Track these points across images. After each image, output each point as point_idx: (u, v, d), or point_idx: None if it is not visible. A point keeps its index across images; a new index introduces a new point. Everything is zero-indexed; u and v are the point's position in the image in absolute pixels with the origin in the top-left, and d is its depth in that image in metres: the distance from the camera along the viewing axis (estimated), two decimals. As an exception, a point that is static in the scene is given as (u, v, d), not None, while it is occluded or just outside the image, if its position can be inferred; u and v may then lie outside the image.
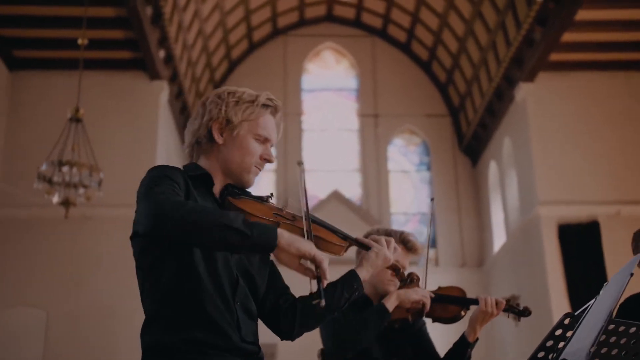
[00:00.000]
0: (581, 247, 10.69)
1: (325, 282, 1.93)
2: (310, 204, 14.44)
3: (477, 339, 3.32)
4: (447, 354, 3.38)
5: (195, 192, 2.06)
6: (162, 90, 11.88)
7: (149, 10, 10.64)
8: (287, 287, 2.31)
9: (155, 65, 11.53)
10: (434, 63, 15.88)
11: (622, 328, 2.15)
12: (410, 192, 15.56)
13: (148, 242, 1.99)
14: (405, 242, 3.34)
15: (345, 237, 2.22)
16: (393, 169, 15.73)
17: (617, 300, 2.05)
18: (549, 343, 2.13)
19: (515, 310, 3.34)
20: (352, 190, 15.11)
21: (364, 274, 2.27)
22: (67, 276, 10.72)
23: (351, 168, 15.63)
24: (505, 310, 3.32)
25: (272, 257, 2.20)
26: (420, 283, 3.25)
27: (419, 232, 15.15)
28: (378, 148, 15.57)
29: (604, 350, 2.17)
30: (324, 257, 1.92)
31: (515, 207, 12.72)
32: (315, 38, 16.39)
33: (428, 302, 3.13)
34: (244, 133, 2.18)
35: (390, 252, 2.28)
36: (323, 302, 1.87)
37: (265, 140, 2.22)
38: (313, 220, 2.14)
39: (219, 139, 2.18)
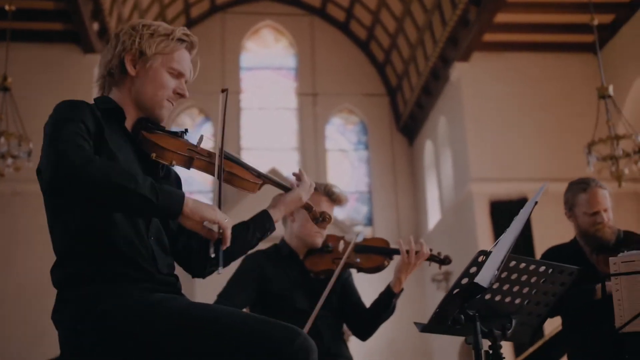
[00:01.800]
0: (511, 222, 10.95)
1: (225, 247, 1.95)
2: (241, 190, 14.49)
3: (402, 289, 3.41)
4: (372, 304, 3.47)
5: (106, 128, 2.01)
6: (96, 64, 11.50)
7: (81, -19, 10.39)
8: None
9: (89, 38, 11.27)
10: (372, 43, 15.98)
11: (522, 265, 2.26)
12: (348, 171, 15.67)
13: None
14: (329, 193, 3.45)
15: (259, 175, 2.25)
16: (331, 148, 15.81)
17: (518, 231, 2.17)
18: (464, 280, 2.21)
19: (437, 259, 3.47)
20: (290, 169, 14.92)
21: (276, 214, 2.33)
22: (-3, 253, 10.47)
23: (289, 147, 15.65)
24: (428, 260, 3.43)
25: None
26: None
27: (356, 211, 15.31)
28: (316, 127, 15.63)
29: (505, 286, 2.28)
30: (228, 224, 1.95)
31: (449, 185, 12.97)
32: (254, 16, 16.27)
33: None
34: (157, 66, 2.14)
35: (307, 194, 2.33)
36: (221, 270, 1.94)
37: (179, 75, 2.18)
38: (227, 157, 2.15)
39: (131, 70, 2.13)
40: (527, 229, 10.78)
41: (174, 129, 2.20)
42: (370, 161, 15.66)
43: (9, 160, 8.05)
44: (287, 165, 15.06)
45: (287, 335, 1.81)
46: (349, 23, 16.17)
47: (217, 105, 2.16)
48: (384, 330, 3.59)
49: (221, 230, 1.93)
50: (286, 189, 2.35)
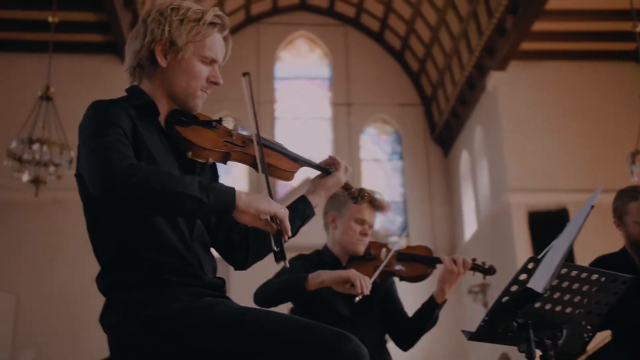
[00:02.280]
0: (550, 234, 10.77)
1: (287, 237, 1.85)
2: (283, 191, 14.59)
3: (446, 300, 3.36)
4: (415, 314, 3.42)
5: (140, 125, 1.95)
6: (134, 74, 11.77)
7: (121, -7, 10.55)
8: None
9: (127, 48, 11.41)
10: (406, 52, 15.95)
11: (574, 272, 2.21)
12: (382, 181, 15.62)
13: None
14: (372, 200, 3.38)
15: (296, 159, 2.18)
16: (365, 158, 15.79)
17: (573, 237, 2.12)
18: (514, 288, 2.18)
19: (481, 268, 3.39)
20: (325, 180, 15.06)
21: (316, 200, 2.23)
22: (38, 260, 10.64)
23: (324, 156, 15.38)
24: (471, 269, 3.36)
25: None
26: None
27: (391, 221, 15.25)
28: (350, 137, 15.62)
29: (556, 295, 2.24)
30: (285, 214, 1.85)
31: (486, 195, 12.85)
32: (289, 26, 16.37)
33: (358, 283, 2.94)
34: (189, 55, 2.03)
35: (345, 175, 2.25)
36: (287, 263, 1.82)
37: (212, 62, 2.08)
38: (263, 144, 2.07)
39: (162, 62, 2.02)
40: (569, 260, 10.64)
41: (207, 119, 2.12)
42: (405, 171, 15.60)
43: (51, 169, 8.18)
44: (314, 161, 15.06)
45: (338, 340, 1.77)
46: (384, 33, 16.16)
47: (242, 86, 2.08)
48: (421, 342, 3.55)
49: (279, 222, 1.84)
50: (325, 171, 2.24)
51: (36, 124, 8.36)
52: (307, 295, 3.08)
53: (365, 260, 3.44)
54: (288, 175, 2.14)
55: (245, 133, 2.14)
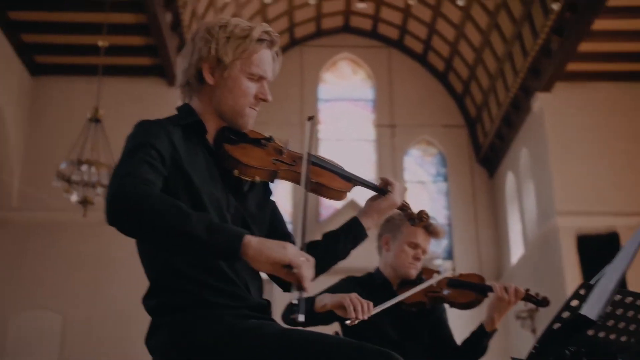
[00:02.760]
0: (600, 258, 10.57)
1: (307, 288, 1.70)
2: (327, 213, 14.57)
3: (496, 330, 3.28)
4: (464, 343, 3.36)
5: (184, 147, 1.93)
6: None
7: (168, 17, 10.76)
8: (288, 235, 2.18)
9: (174, 71, 11.61)
10: (450, 74, 15.89)
11: (629, 299, 2.15)
12: (426, 203, 15.50)
13: None
14: (427, 225, 3.34)
15: (350, 178, 2.12)
16: (409, 180, 15.72)
17: (628, 263, 2.06)
18: (565, 314, 2.13)
19: (534, 299, 3.29)
20: (368, 201, 15.02)
21: (369, 222, 2.18)
22: (84, 281, 10.80)
23: (367, 178, 15.53)
24: (523, 299, 3.27)
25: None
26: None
27: (436, 244, 15.07)
28: (394, 158, 15.58)
29: (610, 322, 2.17)
30: (302, 262, 1.68)
31: (533, 218, 12.65)
32: (332, 49, 16.48)
33: (350, 308, 2.75)
34: (236, 73, 2.00)
35: (400, 197, 2.20)
36: (301, 318, 1.68)
37: (260, 79, 2.03)
38: (314, 163, 2.03)
39: (210, 80, 2.00)
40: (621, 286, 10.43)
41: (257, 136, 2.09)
42: (450, 193, 15.48)
43: (99, 189, 8.33)
44: (365, 197, 15.01)
45: (383, 359, 1.74)
46: (427, 54, 16.14)
47: (296, 136, 2.08)
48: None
49: (298, 275, 1.67)
50: (381, 191, 2.19)
51: (85, 145, 8.53)
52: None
53: (417, 284, 3.40)
54: (340, 195, 2.09)
55: (297, 152, 2.10)
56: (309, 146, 1.99)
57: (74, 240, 10.94)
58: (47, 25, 10.90)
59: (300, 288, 1.67)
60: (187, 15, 11.54)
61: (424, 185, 15.81)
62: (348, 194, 2.12)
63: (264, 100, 2.05)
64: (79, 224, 10.44)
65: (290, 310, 1.71)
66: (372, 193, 2.25)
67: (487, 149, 14.98)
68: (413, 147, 15.97)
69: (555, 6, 10.64)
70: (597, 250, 10.62)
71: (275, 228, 2.16)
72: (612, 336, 2.25)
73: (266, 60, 2.04)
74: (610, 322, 2.23)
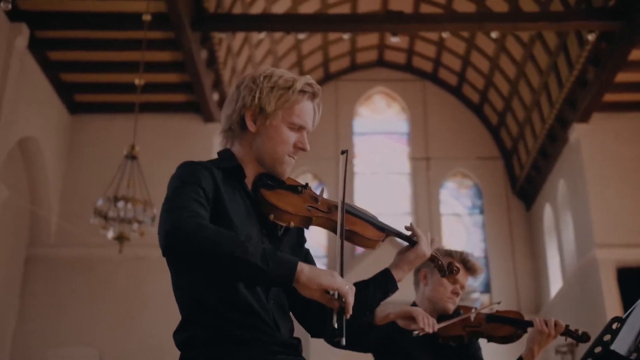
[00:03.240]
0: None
1: (348, 315, 1.79)
2: (362, 249, 14.50)
3: None
4: None
5: (224, 188, 2.00)
6: (216, 132, 12.06)
7: (204, 54, 10.93)
8: None
9: (209, 107, 11.78)
10: (485, 106, 15.83)
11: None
12: (462, 235, 15.37)
13: None
14: (465, 262, 3.36)
15: (382, 228, 2.15)
16: (445, 213, 15.61)
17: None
18: (597, 349, 2.09)
19: (574, 334, 3.26)
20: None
21: (399, 274, 2.20)
22: (120, 316, 10.89)
23: (402, 211, 15.55)
24: (563, 334, 3.26)
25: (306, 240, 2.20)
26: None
27: (471, 279, 14.89)
28: (429, 191, 15.50)
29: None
30: (348, 289, 1.78)
31: (571, 250, 12.44)
32: (367, 82, 16.56)
33: (420, 319, 2.90)
34: (277, 122, 2.09)
35: (428, 248, 2.21)
36: (344, 341, 1.76)
37: (300, 129, 2.12)
38: (348, 212, 2.07)
39: (251, 127, 2.09)
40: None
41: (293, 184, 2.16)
42: (486, 226, 15.32)
43: (135, 225, 8.42)
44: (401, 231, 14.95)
45: None
46: (461, 87, 16.13)
47: (330, 170, 2.12)
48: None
49: (343, 299, 1.77)
50: (412, 242, 2.21)
51: (121, 182, 8.66)
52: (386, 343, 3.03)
53: (454, 319, 3.39)
54: (372, 244, 2.12)
55: (332, 200, 2.16)
56: (344, 179, 2.03)
57: (110, 276, 11.07)
58: (85, 64, 11.17)
59: (342, 314, 1.77)
60: (222, 52, 11.71)
61: (459, 217, 15.68)
62: (381, 243, 2.15)
63: (303, 149, 2.13)
64: (115, 260, 10.57)
65: (332, 334, 1.80)
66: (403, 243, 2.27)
67: (523, 181, 14.83)
68: (448, 179, 15.89)
69: (591, 37, 10.57)
70: (638, 282, 10.38)
71: None
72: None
73: (307, 111, 2.13)
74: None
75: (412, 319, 2.86)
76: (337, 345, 1.88)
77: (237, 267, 1.73)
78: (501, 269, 14.63)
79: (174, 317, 2.03)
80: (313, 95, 2.15)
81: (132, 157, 8.61)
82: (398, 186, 15.85)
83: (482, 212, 15.61)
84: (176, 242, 1.74)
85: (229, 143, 2.16)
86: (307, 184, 2.16)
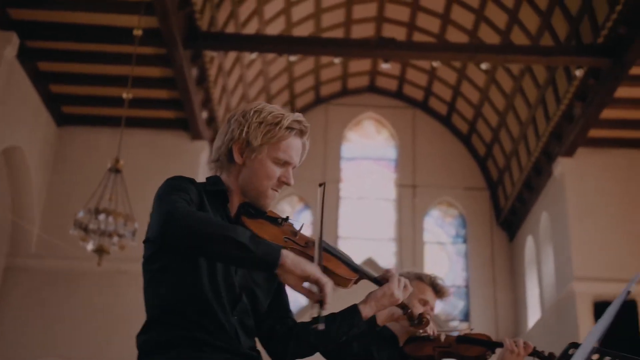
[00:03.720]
0: (617, 325, 10.37)
1: (326, 306, 1.86)
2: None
3: None
4: None
5: (209, 207, 2.07)
6: (203, 150, 12.11)
7: (194, 72, 10.96)
8: (289, 311, 2.30)
9: (198, 125, 11.80)
10: (473, 136, 15.94)
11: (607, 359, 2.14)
12: (445, 264, 15.40)
13: (158, 248, 2.01)
14: (434, 284, 3.46)
15: (356, 269, 2.17)
16: (429, 240, 15.64)
17: (608, 322, 2.06)
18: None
19: (541, 355, 3.37)
20: (387, 260, 15.01)
21: (367, 310, 2.22)
22: (99, 329, 10.81)
23: (387, 237, 15.58)
24: (531, 355, 3.36)
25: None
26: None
27: (453, 305, 14.93)
28: (414, 218, 15.54)
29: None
30: (327, 281, 1.86)
31: (551, 283, 12.50)
32: (357, 108, 16.65)
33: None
34: (263, 157, 2.14)
35: (400, 291, 2.22)
36: (322, 326, 1.83)
37: (285, 164, 2.17)
38: (325, 249, 2.09)
39: (238, 159, 2.16)
40: (634, 334, 10.22)
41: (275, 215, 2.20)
42: (469, 255, 15.36)
43: (115, 239, 8.40)
44: (384, 256, 14.98)
45: None
46: (451, 116, 16.24)
47: (317, 193, 2.15)
48: None
49: (321, 291, 1.85)
50: (381, 284, 2.24)
51: (104, 195, 8.65)
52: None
53: (425, 340, 3.46)
54: (345, 283, 2.13)
55: (310, 237, 2.19)
56: (321, 212, 2.08)
57: (89, 289, 11.01)
58: (74, 76, 11.19)
59: (321, 305, 1.84)
60: (213, 71, 11.76)
61: (443, 246, 15.72)
62: (353, 284, 2.17)
63: (287, 184, 2.19)
64: (94, 273, 10.51)
65: (312, 323, 1.89)
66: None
67: (507, 212, 14.91)
68: (434, 208, 15.94)
69: (579, 73, 10.70)
70: (615, 318, 10.39)
71: (278, 301, 2.27)
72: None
73: (294, 148, 2.18)
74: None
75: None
76: (309, 347, 1.99)
77: (227, 246, 1.80)
78: (482, 298, 14.65)
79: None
80: (301, 133, 2.20)
81: (116, 170, 8.60)
82: (384, 212, 15.88)
83: (465, 241, 15.65)
84: (170, 224, 1.81)
85: (218, 172, 2.23)
86: (287, 217, 2.21)
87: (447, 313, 14.76)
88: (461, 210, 15.83)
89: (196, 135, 12.05)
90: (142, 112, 11.53)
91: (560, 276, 11.87)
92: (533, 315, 13.54)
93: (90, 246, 8.34)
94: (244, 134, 2.13)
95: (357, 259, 2.31)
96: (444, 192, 15.82)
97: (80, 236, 8.34)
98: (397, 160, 16.43)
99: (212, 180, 2.19)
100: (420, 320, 2.39)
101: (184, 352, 1.93)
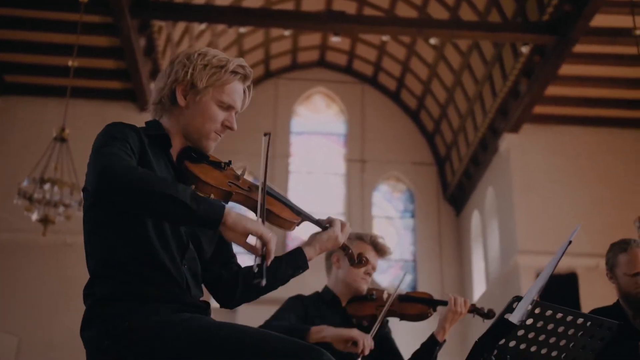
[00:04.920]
0: (559, 298, 10.68)
1: (269, 261, 1.88)
2: (293, 245, 14.55)
3: (445, 340, 3.39)
4: (414, 354, 3.43)
5: (150, 152, 2.04)
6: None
7: (142, 42, 10.78)
8: (233, 256, 2.31)
9: (146, 96, 11.60)
10: (422, 112, 16.09)
11: (559, 315, 2.21)
12: (393, 238, 15.56)
13: (96, 201, 1.95)
14: (374, 244, 3.51)
15: (299, 212, 2.21)
16: (377, 215, 15.79)
17: (549, 272, 2.14)
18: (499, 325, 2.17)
19: (481, 312, 3.47)
20: (336, 234, 15.06)
21: (311, 252, 2.28)
22: (44, 303, 10.62)
23: (336, 212, 15.63)
24: (471, 311, 3.43)
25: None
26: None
27: (399, 279, 15.12)
28: (363, 193, 15.66)
29: (541, 337, 2.22)
30: (271, 237, 1.87)
31: (496, 256, 12.77)
32: (307, 82, 16.62)
33: (361, 342, 3.12)
34: (207, 99, 2.14)
35: (342, 234, 2.29)
36: (264, 282, 1.83)
37: (229, 107, 2.17)
38: (268, 193, 2.13)
39: (181, 101, 2.14)
40: (575, 306, 10.52)
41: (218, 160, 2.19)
42: (416, 230, 15.56)
43: (61, 209, 8.25)
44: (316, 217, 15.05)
45: (312, 355, 1.81)
46: (400, 92, 16.35)
47: (262, 143, 2.16)
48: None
49: (264, 245, 1.86)
50: (324, 227, 2.29)
51: (49, 164, 8.47)
52: None
53: (367, 300, 3.51)
54: (288, 225, 2.18)
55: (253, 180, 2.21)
56: (265, 160, 2.10)
57: (34, 262, 10.79)
58: (17, 44, 10.88)
59: (264, 259, 1.85)
60: (162, 41, 11.59)
61: (391, 220, 15.88)
62: (296, 227, 2.22)
63: (230, 128, 2.19)
64: (39, 245, 10.33)
65: (253, 276, 1.86)
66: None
67: (454, 187, 15.14)
68: (382, 182, 16.07)
69: (525, 49, 10.88)
70: (556, 290, 10.70)
71: (222, 246, 2.27)
72: (543, 350, 2.33)
73: (237, 92, 2.19)
74: (542, 337, 2.30)
75: (348, 342, 3.06)
76: (256, 290, 2.04)
77: (167, 204, 1.78)
78: (428, 272, 14.89)
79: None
80: (244, 78, 2.22)
81: (61, 139, 8.43)
82: (333, 187, 15.95)
83: (413, 216, 15.85)
84: (108, 181, 1.78)
85: (158, 115, 2.20)
86: (230, 162, 2.21)
87: (395, 286, 14.93)
88: (409, 185, 16.01)
89: (144, 107, 11.84)
90: (88, 82, 11.29)
91: (505, 250, 12.13)
92: (479, 288, 13.83)
93: (35, 216, 8.17)
94: (188, 76, 2.11)
95: (306, 233, 2.36)
96: (393, 167, 15.96)
97: (24, 206, 8.16)
98: (346, 135, 16.49)
99: (152, 125, 2.16)
100: (360, 260, 2.42)
101: (128, 305, 1.90)
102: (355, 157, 16.02)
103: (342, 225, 2.30)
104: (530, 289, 2.23)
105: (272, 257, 1.88)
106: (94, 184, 1.81)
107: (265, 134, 2.16)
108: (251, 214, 2.08)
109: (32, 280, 10.73)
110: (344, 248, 2.37)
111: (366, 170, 15.85)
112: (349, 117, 16.52)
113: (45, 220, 8.15)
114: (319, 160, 16.26)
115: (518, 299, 2.22)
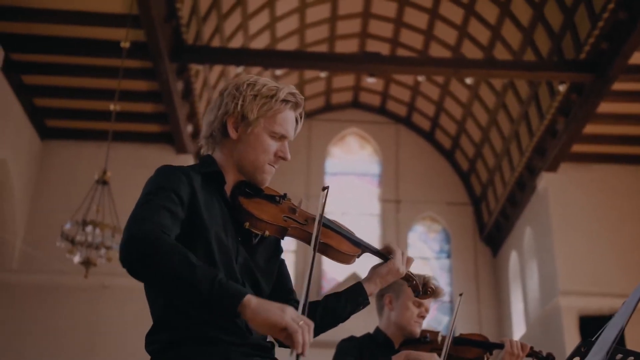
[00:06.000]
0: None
1: (303, 357, 1.64)
2: (329, 286, 14.48)
3: None
4: None
5: (203, 192, 1.99)
6: (188, 164, 12.01)
7: (179, 85, 10.95)
8: (291, 292, 2.25)
9: (183, 139, 11.77)
10: (457, 152, 16.04)
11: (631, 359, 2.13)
12: (429, 279, 15.39)
13: None
14: (426, 285, 3.38)
15: (358, 244, 2.16)
16: (413, 256, 15.30)
17: (627, 320, 2.05)
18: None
19: (540, 356, 3.37)
20: (371, 275, 14.96)
21: (371, 287, 2.21)
22: (82, 344, 10.67)
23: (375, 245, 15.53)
24: (529, 355, 3.35)
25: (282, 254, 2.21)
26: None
27: (437, 321, 14.94)
28: (398, 233, 15.57)
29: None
30: (298, 328, 1.63)
31: (535, 297, 12.54)
32: (341, 123, 16.70)
33: None
34: (259, 130, 2.09)
35: (404, 265, 2.23)
36: None
37: (281, 138, 2.12)
38: (325, 225, 2.06)
39: (233, 134, 2.09)
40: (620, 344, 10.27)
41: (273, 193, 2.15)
42: (453, 270, 15.40)
43: (102, 251, 8.32)
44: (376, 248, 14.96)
45: None
46: (434, 132, 16.34)
47: (319, 196, 2.09)
48: None
49: (292, 340, 1.65)
50: (385, 259, 2.23)
51: (91, 207, 8.58)
52: None
53: (421, 343, 3.45)
54: (347, 259, 2.12)
55: (310, 212, 2.16)
56: (322, 212, 2.01)
57: (73, 305, 10.87)
58: (59, 89, 11.10)
59: (297, 357, 1.63)
60: (199, 84, 11.76)
61: (427, 261, 15.75)
62: (356, 259, 2.16)
63: (283, 158, 2.14)
64: (79, 287, 10.42)
65: None
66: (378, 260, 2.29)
67: (491, 227, 14.98)
68: (417, 223, 15.98)
69: (562, 88, 10.82)
70: (597, 331, 10.46)
71: (280, 283, 2.21)
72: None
73: (289, 121, 2.13)
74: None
75: None
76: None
77: (182, 291, 1.69)
78: (466, 314, 14.66)
79: (137, 347, 1.98)
80: (296, 105, 2.16)
81: (103, 182, 8.54)
82: (367, 227, 15.86)
83: (449, 256, 15.69)
84: (130, 254, 1.71)
85: (210, 150, 2.16)
86: (285, 194, 2.16)
87: (432, 328, 14.72)
88: (445, 225, 15.89)
89: (181, 149, 12.01)
90: (128, 125, 11.48)
91: (544, 291, 11.92)
92: (518, 330, 13.57)
93: (77, 258, 8.25)
94: (238, 108, 2.07)
95: (342, 274, 2.31)
96: (428, 207, 15.88)
97: (67, 249, 8.25)
98: (380, 176, 16.48)
99: (206, 161, 2.11)
100: (426, 290, 2.37)
101: (193, 349, 1.87)
102: (389, 198, 15.97)
103: (403, 255, 2.24)
104: (603, 336, 2.15)
105: (299, 349, 1.62)
106: (119, 252, 1.75)
107: (323, 188, 2.08)
108: (307, 250, 2.03)
109: (70, 323, 10.78)
110: (408, 279, 2.30)
111: (401, 211, 15.78)
112: (383, 158, 16.52)
113: (87, 263, 8.22)
114: (353, 200, 16.23)
115: (586, 343, 2.14)
